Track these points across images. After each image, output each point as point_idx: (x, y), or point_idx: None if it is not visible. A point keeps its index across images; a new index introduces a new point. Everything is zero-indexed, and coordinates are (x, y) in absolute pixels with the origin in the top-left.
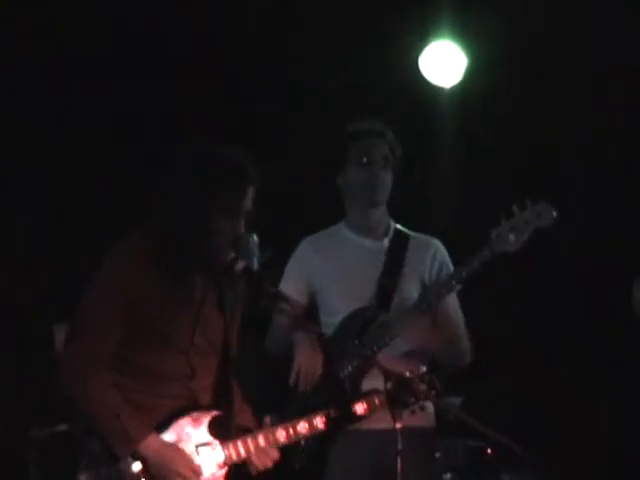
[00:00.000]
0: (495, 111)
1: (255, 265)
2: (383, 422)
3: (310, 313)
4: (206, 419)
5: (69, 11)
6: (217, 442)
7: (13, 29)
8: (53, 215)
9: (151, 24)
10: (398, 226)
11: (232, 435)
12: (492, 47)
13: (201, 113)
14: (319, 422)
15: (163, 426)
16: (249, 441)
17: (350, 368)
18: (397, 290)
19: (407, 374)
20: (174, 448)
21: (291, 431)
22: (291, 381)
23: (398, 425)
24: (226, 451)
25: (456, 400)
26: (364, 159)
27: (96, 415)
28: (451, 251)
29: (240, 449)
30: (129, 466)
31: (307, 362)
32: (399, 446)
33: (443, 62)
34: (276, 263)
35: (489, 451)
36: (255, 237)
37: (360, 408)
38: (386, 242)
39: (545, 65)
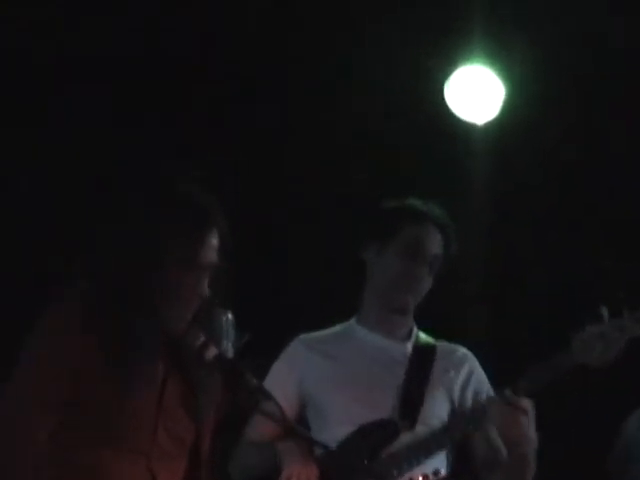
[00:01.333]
0: (542, 156)
1: (230, 351)
2: None
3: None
4: None
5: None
6: None
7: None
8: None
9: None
10: (421, 333)
11: None
12: (536, 74)
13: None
14: None
15: None
16: None
17: None
18: (424, 403)
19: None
20: None
21: None
22: None
23: None
24: None
25: None
26: (410, 251)
27: None
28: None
29: None
30: None
31: (299, 475)
32: None
33: (475, 92)
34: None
35: None
36: (230, 316)
37: None
38: (409, 346)
39: (602, 98)
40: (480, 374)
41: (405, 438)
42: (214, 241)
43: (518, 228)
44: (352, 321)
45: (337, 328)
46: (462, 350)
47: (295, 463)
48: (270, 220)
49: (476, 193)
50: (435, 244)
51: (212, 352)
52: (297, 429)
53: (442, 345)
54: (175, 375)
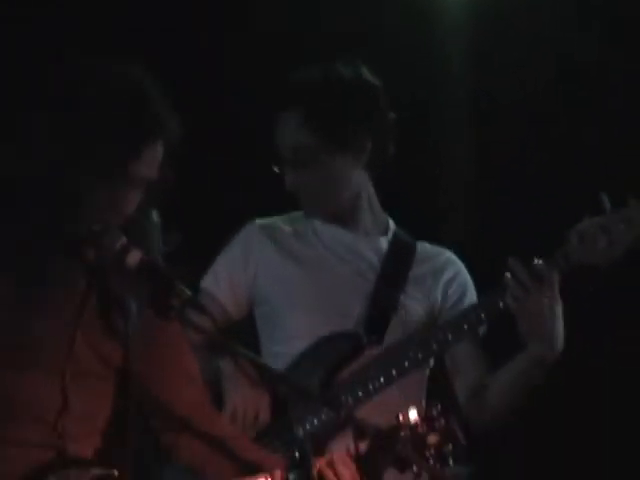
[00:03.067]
0: (530, 31)
1: (155, 256)
2: None
3: (245, 334)
4: None
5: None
6: None
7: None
8: None
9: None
10: (400, 231)
11: None
12: None
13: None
14: None
15: None
16: None
17: (315, 421)
18: (397, 311)
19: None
20: None
21: None
22: None
23: None
24: None
25: (463, 470)
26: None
27: None
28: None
29: None
30: None
31: (246, 404)
32: None
33: None
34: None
35: None
36: (154, 215)
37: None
38: (383, 242)
39: None
40: (465, 278)
41: (371, 355)
42: (153, 152)
43: (502, 117)
44: None
45: (296, 216)
46: (446, 254)
47: (240, 391)
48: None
49: (453, 78)
50: (285, 134)
51: (135, 256)
52: (239, 350)
53: (423, 246)
54: (104, 285)
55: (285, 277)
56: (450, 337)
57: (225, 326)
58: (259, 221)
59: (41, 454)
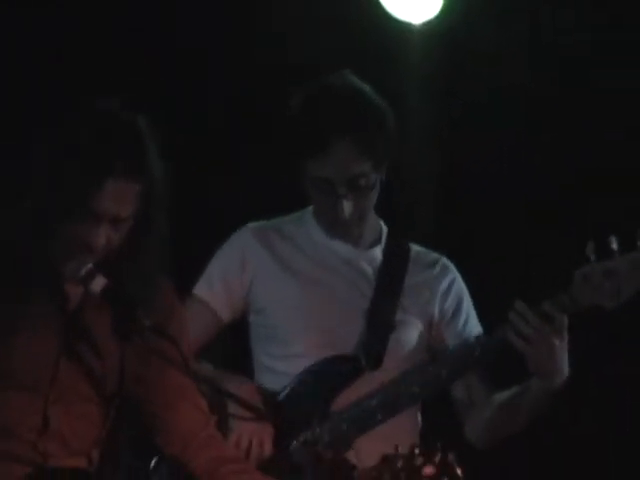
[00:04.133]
0: (491, 60)
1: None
2: None
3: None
4: None
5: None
6: None
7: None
8: None
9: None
10: (393, 235)
11: None
12: None
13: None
14: None
15: None
16: None
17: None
18: (395, 329)
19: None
20: None
21: None
22: None
23: None
24: None
25: None
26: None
27: None
28: None
29: None
30: None
31: (251, 435)
32: None
33: None
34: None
35: None
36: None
37: None
38: (378, 252)
39: None
40: (460, 285)
41: (367, 380)
42: (122, 191)
43: (465, 137)
44: (307, 213)
45: (292, 222)
46: (441, 261)
47: (246, 420)
48: None
49: (413, 104)
50: (340, 166)
51: (99, 283)
52: (202, 378)
53: (418, 252)
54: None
55: (282, 290)
56: (451, 375)
57: (217, 333)
58: (252, 225)
59: (22, 469)
